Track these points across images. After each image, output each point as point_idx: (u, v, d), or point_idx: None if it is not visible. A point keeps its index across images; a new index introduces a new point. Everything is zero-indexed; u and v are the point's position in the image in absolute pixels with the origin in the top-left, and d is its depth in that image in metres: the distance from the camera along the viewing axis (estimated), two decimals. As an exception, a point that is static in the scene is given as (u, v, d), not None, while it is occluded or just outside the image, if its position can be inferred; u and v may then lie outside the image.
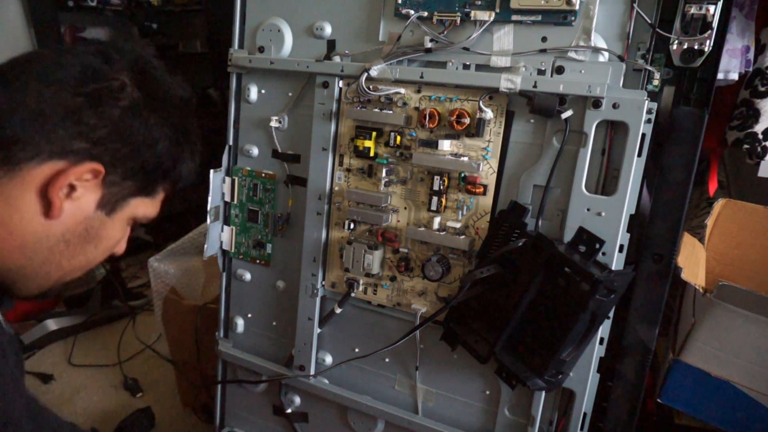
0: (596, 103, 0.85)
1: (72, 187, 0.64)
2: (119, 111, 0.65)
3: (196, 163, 0.77)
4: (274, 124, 1.12)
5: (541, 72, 0.88)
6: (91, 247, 0.70)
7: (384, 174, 1.01)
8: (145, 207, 0.73)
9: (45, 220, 0.64)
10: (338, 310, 1.12)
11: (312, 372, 1.18)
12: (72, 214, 0.66)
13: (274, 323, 1.24)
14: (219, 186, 1.19)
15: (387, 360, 1.13)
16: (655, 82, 0.85)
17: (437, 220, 0.99)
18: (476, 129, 0.93)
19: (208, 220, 1.19)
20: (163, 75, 0.72)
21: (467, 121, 0.93)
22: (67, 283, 0.74)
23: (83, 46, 0.70)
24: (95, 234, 0.69)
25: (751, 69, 1.14)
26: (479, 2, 0.90)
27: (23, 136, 0.61)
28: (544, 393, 0.98)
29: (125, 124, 0.66)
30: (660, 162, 0.86)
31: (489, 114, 0.92)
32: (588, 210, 0.88)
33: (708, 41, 0.80)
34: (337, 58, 1.03)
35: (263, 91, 1.13)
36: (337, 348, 1.18)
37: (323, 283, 1.13)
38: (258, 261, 1.21)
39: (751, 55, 1.13)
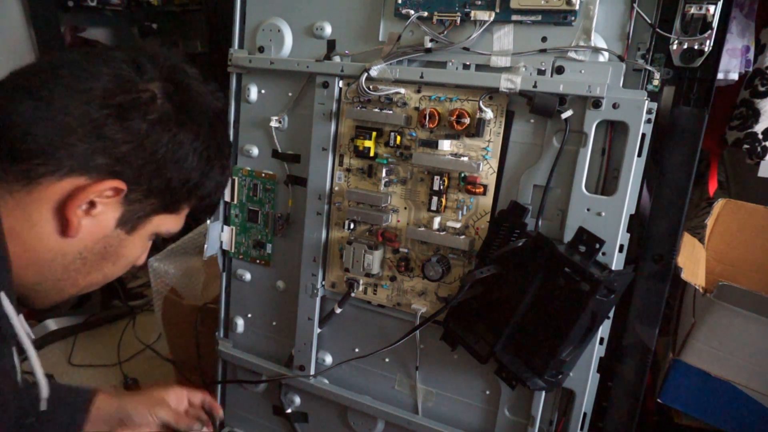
0: (596, 103, 0.85)
1: (92, 204, 0.61)
2: (147, 125, 0.61)
3: (226, 176, 0.73)
4: (274, 124, 1.12)
5: (541, 72, 0.88)
6: (108, 264, 0.68)
7: (384, 174, 1.01)
8: (169, 223, 0.70)
9: (61, 238, 0.62)
10: (338, 310, 1.12)
11: (312, 372, 1.18)
12: (90, 232, 0.63)
13: (274, 323, 1.24)
14: (219, 186, 1.19)
15: (387, 360, 1.13)
16: (655, 82, 0.84)
17: (437, 220, 0.99)
18: (476, 129, 0.93)
19: (208, 220, 1.19)
20: (198, 85, 0.68)
21: (467, 121, 0.93)
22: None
23: (117, 51, 0.65)
24: (114, 252, 0.67)
25: (751, 69, 1.14)
26: (479, 2, 0.90)
27: (45, 149, 0.58)
28: (544, 393, 0.98)
29: (152, 139, 0.62)
30: (660, 162, 0.86)
31: (489, 114, 0.92)
32: (588, 210, 0.88)
33: (708, 41, 0.80)
34: (337, 58, 1.03)
35: (263, 91, 1.13)
36: (337, 348, 1.18)
37: (323, 283, 1.13)
38: (258, 261, 1.21)
39: (751, 55, 1.13)
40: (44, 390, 0.68)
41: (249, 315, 1.27)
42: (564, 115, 0.87)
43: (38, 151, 0.58)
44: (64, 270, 0.65)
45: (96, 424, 0.90)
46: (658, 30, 0.82)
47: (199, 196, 0.70)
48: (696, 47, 0.81)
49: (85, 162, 0.59)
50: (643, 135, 0.84)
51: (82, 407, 0.90)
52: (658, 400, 1.00)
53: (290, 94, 1.10)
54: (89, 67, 0.61)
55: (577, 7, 0.83)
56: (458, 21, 0.90)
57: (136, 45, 0.72)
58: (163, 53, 0.67)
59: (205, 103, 0.68)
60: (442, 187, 0.97)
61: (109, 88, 0.60)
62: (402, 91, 0.98)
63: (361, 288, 1.10)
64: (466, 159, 0.95)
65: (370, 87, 0.98)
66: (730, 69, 1.12)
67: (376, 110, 1.00)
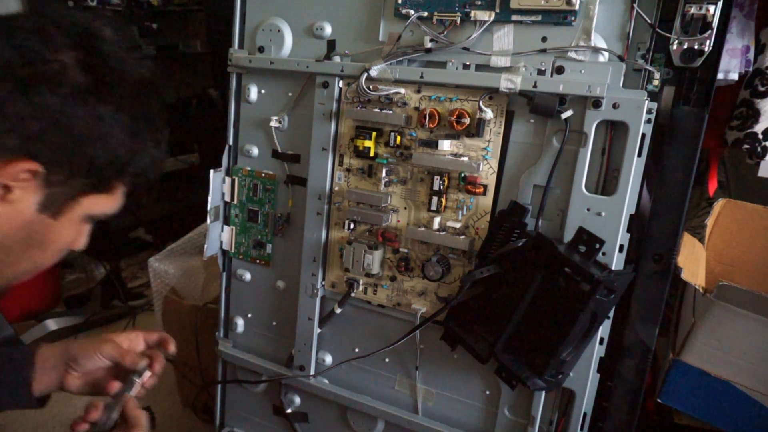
0: (596, 103, 0.85)
1: (7, 188, 0.56)
2: (59, 100, 0.55)
3: (161, 151, 0.67)
4: (274, 124, 1.12)
5: (541, 72, 0.88)
6: (36, 251, 0.63)
7: (384, 174, 1.01)
8: (102, 204, 0.65)
9: None
10: (338, 310, 1.12)
11: (312, 372, 1.18)
12: (8, 219, 0.58)
13: (274, 323, 1.24)
14: (219, 186, 1.19)
15: (387, 360, 1.13)
16: (655, 82, 0.85)
17: (437, 220, 0.99)
18: (476, 129, 0.93)
19: (208, 220, 1.19)
20: (118, 52, 0.60)
21: (467, 121, 0.93)
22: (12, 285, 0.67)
23: (20, 19, 0.59)
24: (40, 239, 0.62)
25: (751, 69, 1.14)
26: (479, 2, 0.90)
27: None
28: (544, 393, 0.98)
29: (67, 115, 0.56)
30: (660, 162, 0.86)
31: (489, 114, 0.92)
32: (588, 210, 0.88)
33: (708, 41, 0.80)
34: (337, 58, 1.03)
35: (263, 91, 1.13)
36: (337, 348, 1.18)
37: (323, 283, 1.13)
38: (258, 261, 1.21)
39: (751, 55, 1.13)
40: None
41: (249, 315, 1.27)
42: (564, 115, 0.87)
43: None
44: None
45: (45, 374, 0.84)
46: (658, 30, 0.82)
47: (132, 173, 0.65)
48: (696, 47, 0.81)
49: None
50: (643, 135, 0.84)
51: (28, 362, 0.83)
52: (658, 400, 1.00)
53: (290, 94, 1.10)
54: None
55: (577, 7, 0.83)
56: (458, 21, 0.90)
57: (42, 10, 0.63)
58: (75, 17, 0.60)
59: (127, 71, 0.61)
60: (442, 187, 0.97)
61: (10, 61, 0.54)
62: (402, 91, 0.98)
63: (361, 288, 1.10)
64: (466, 159, 0.95)
65: (370, 87, 0.98)
66: (730, 69, 1.12)
67: (376, 110, 1.00)
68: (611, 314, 0.92)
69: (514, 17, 0.88)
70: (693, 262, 1.06)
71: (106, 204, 0.66)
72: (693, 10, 0.80)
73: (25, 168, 0.56)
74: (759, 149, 1.16)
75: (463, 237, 0.97)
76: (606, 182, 0.89)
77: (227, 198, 1.20)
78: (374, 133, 1.01)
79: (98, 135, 0.59)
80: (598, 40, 0.85)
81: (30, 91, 0.55)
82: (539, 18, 0.86)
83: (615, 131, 0.87)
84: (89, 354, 0.84)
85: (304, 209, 1.11)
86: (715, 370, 0.95)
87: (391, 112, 0.99)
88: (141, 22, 2.73)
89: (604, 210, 0.87)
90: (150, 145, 0.65)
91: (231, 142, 1.18)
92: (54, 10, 0.60)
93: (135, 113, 0.62)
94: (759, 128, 1.15)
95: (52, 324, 2.13)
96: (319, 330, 1.16)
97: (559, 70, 0.87)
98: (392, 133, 0.99)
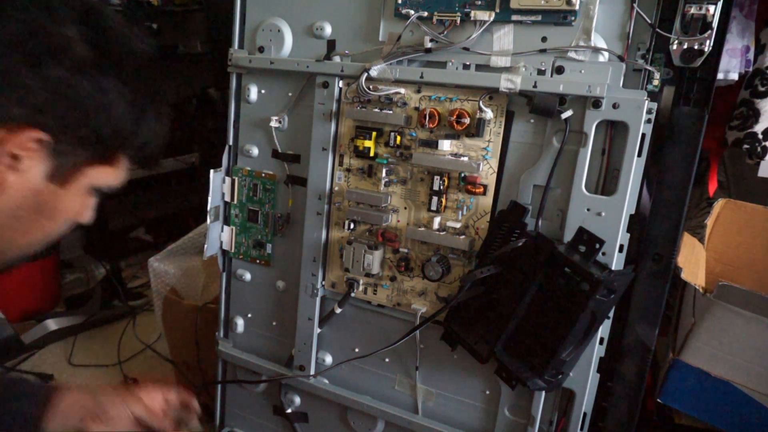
0: (596, 103, 0.85)
1: (16, 158, 0.58)
2: (64, 72, 0.57)
3: (164, 124, 0.70)
4: (274, 124, 1.12)
5: (541, 72, 0.88)
6: (46, 220, 0.65)
7: (384, 174, 1.01)
8: (106, 175, 0.67)
9: None
10: (338, 310, 1.12)
11: (312, 372, 1.18)
12: (19, 188, 0.60)
13: (274, 323, 1.24)
14: (219, 186, 1.19)
15: (387, 360, 1.13)
16: (655, 82, 0.85)
17: (437, 220, 0.99)
18: (476, 129, 0.93)
19: (208, 220, 1.19)
20: (121, 28, 0.63)
21: (467, 121, 0.93)
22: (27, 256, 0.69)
23: None
24: (50, 207, 0.64)
25: (751, 69, 1.15)
26: (479, 2, 0.90)
27: None
28: (544, 393, 0.98)
29: (72, 86, 0.58)
30: (660, 162, 0.86)
31: (489, 114, 0.92)
32: (588, 210, 0.88)
33: (708, 41, 0.80)
34: (337, 58, 1.03)
35: (263, 91, 1.13)
36: (337, 348, 1.18)
37: (323, 283, 1.13)
38: (258, 261, 1.22)
39: (751, 55, 1.14)
40: None
41: (249, 315, 1.27)
42: (564, 115, 0.87)
43: None
44: None
45: (67, 418, 0.85)
46: (658, 30, 0.82)
47: (135, 146, 0.67)
48: (696, 47, 0.81)
49: (0, 113, 0.56)
50: (643, 135, 0.84)
51: (41, 401, 0.84)
52: (658, 400, 1.00)
53: (290, 94, 1.10)
54: None
55: (577, 7, 0.83)
56: (458, 21, 0.90)
57: None
58: None
59: (130, 47, 0.64)
60: (442, 187, 0.97)
61: (18, 34, 0.57)
62: (402, 91, 0.98)
63: (361, 288, 1.10)
64: (466, 159, 0.95)
65: (370, 87, 0.98)
66: (730, 69, 1.13)
67: (376, 110, 1.00)
68: (611, 314, 0.92)
69: (514, 17, 0.88)
70: (693, 262, 1.06)
71: (111, 176, 0.68)
72: (693, 10, 0.80)
73: (33, 137, 0.58)
74: (759, 149, 1.16)
75: (463, 237, 0.97)
76: (606, 182, 0.89)
77: (227, 198, 1.20)
78: (374, 133, 1.01)
79: (102, 106, 0.61)
80: (598, 40, 0.85)
81: (36, 63, 0.57)
82: (539, 18, 0.87)
83: (615, 131, 0.87)
84: (118, 406, 0.89)
85: (304, 209, 1.11)
86: (715, 370, 0.95)
87: (391, 112, 0.99)
88: (141, 22, 2.73)
89: (604, 210, 0.87)
90: (152, 118, 0.67)
91: (231, 142, 1.18)
92: None
93: (138, 87, 0.64)
94: (759, 128, 1.15)
95: (52, 324, 2.13)
96: (319, 330, 1.16)
97: (559, 70, 0.87)
98: (392, 133, 0.99)
